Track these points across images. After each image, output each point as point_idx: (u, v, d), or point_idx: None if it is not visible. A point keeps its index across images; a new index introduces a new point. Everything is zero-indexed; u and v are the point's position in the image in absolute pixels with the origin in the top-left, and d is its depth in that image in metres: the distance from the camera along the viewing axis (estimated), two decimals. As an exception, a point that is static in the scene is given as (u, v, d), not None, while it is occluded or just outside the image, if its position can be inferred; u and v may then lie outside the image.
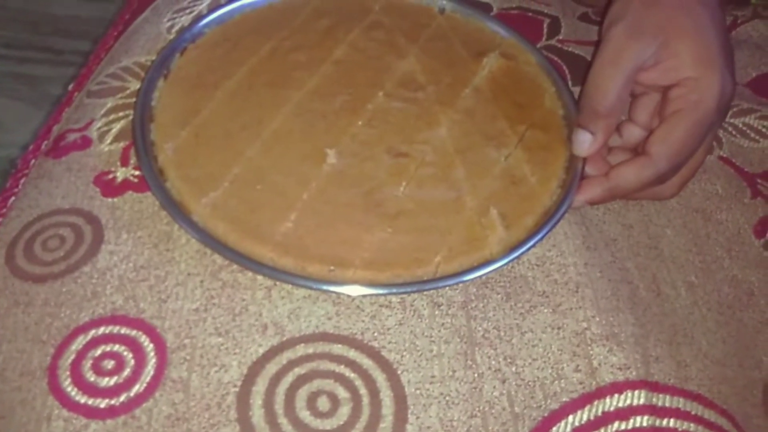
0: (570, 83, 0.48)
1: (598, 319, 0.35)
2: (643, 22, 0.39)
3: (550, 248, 0.39)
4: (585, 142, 0.40)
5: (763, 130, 0.49)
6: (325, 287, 0.34)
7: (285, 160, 0.39)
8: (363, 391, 0.33)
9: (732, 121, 0.49)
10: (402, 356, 0.34)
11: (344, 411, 0.32)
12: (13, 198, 0.40)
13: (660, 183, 0.39)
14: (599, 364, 0.34)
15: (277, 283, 0.35)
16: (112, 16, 0.58)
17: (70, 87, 0.48)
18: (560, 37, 0.53)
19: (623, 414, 0.33)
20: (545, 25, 0.54)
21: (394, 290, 0.35)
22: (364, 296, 0.35)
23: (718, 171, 0.45)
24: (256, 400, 0.32)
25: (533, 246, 0.37)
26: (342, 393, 0.32)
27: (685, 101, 0.38)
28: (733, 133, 0.48)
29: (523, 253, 0.36)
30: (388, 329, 0.35)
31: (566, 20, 0.55)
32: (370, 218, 0.37)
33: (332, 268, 0.35)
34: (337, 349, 0.34)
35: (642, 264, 0.39)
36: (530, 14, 0.55)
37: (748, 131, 0.49)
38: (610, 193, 0.39)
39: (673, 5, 0.39)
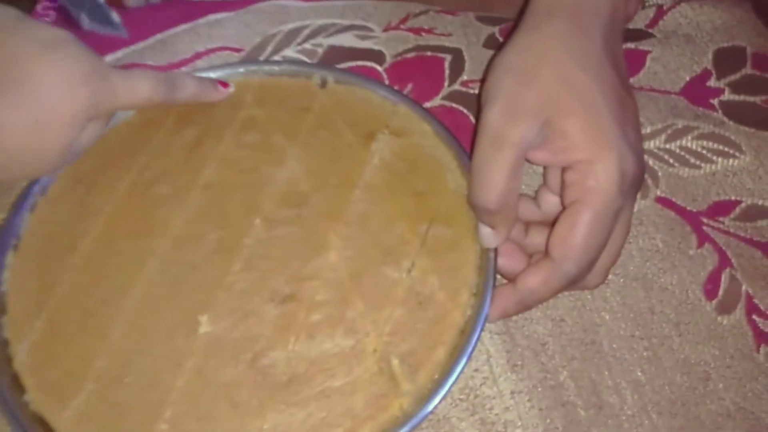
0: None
1: (529, 474, 0.31)
2: (519, 102, 0.32)
3: (473, 374, 0.34)
4: (489, 236, 0.34)
5: (704, 152, 0.43)
6: None
7: (153, 338, 0.34)
8: None
9: (667, 146, 0.43)
10: None
11: None
12: None
13: (575, 284, 0.33)
14: None
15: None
16: None
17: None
18: (464, 78, 0.47)
19: None
20: (446, 65, 0.48)
21: None
22: None
23: (656, 219, 0.40)
24: None
25: (448, 392, 0.32)
26: None
27: (581, 190, 0.32)
28: (670, 161, 0.42)
29: (435, 406, 0.32)
30: None
31: (470, 52, 0.48)
32: (259, 395, 0.32)
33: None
34: None
35: (578, 370, 0.34)
36: (429, 53, 0.48)
37: (687, 156, 0.43)
38: (522, 305, 0.34)
39: (552, 79, 0.32)
